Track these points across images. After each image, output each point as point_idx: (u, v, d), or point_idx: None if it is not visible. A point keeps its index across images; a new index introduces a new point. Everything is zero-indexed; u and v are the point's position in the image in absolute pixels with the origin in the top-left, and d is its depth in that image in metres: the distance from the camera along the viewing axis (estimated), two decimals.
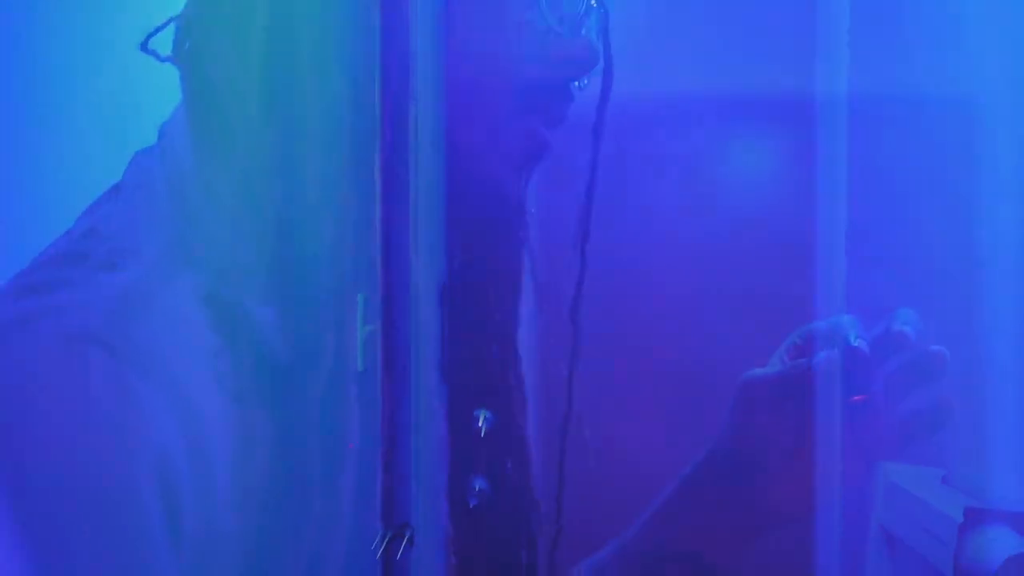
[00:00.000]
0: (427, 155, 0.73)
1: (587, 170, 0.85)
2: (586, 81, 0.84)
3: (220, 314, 0.72)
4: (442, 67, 0.73)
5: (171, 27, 0.78)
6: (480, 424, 0.82)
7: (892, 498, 0.93)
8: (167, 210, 0.76)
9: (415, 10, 0.71)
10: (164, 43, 0.79)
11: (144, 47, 0.78)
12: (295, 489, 0.70)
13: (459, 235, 0.76)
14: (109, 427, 0.67)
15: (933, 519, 0.85)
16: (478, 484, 0.81)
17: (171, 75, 0.79)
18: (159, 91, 0.79)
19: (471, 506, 0.81)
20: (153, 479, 0.67)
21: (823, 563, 0.89)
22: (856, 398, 0.85)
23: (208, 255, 0.74)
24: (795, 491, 0.87)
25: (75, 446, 0.66)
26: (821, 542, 0.89)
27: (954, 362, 0.84)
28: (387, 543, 0.66)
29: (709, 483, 0.90)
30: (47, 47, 0.99)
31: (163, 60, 0.77)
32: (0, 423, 0.66)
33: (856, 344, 0.84)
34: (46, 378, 0.67)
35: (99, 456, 0.66)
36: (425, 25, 0.72)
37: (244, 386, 0.71)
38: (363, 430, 0.71)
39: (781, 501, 0.88)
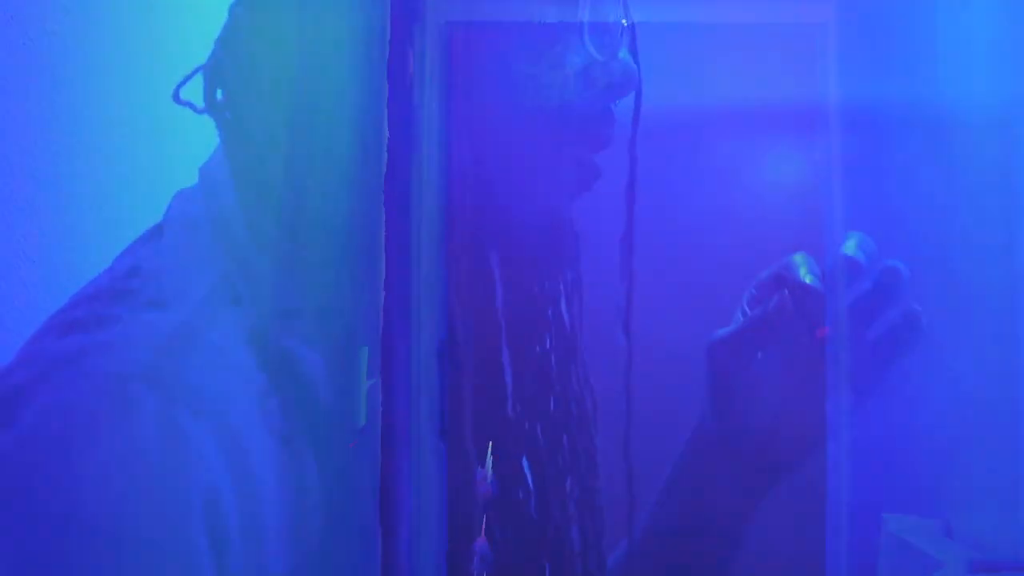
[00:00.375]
0: (429, 212, 0.75)
1: (627, 187, 0.85)
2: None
3: (267, 354, 0.72)
4: (444, 131, 0.75)
5: (199, 76, 0.79)
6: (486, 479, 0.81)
7: (894, 551, 0.94)
8: (212, 249, 0.76)
9: (421, 66, 0.74)
10: (195, 92, 0.80)
11: (176, 98, 0.79)
12: (341, 531, 0.70)
13: (506, 273, 0.77)
14: (159, 467, 0.66)
15: (938, 572, 0.85)
16: (479, 549, 0.81)
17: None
18: (198, 132, 0.80)
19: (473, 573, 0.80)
20: (202, 520, 0.66)
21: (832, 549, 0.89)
22: (819, 332, 0.85)
23: (254, 295, 0.74)
24: (788, 440, 0.88)
25: (125, 486, 0.65)
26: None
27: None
28: None
29: (705, 451, 0.90)
30: (86, 87, 0.98)
31: (199, 111, 0.78)
32: (49, 461, 0.65)
33: (807, 281, 0.85)
34: (96, 416, 0.66)
35: (149, 496, 0.66)
36: (430, 88, 0.74)
37: (291, 427, 0.71)
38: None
39: (778, 453, 0.89)
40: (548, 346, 0.88)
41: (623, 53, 0.82)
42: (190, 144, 0.82)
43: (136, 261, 0.76)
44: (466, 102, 0.77)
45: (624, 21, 0.83)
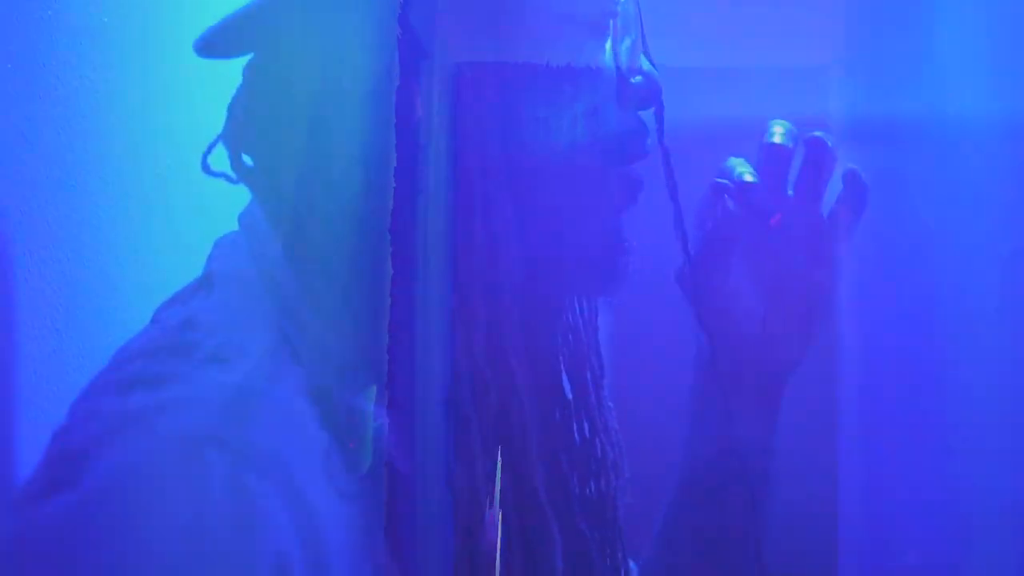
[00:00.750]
0: (436, 257, 0.75)
1: (670, 200, 0.85)
2: None
3: (330, 411, 0.71)
4: (447, 171, 0.75)
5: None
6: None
7: None
8: (265, 304, 0.75)
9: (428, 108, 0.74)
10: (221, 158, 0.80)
11: (207, 170, 0.79)
12: None
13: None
14: (229, 531, 0.64)
15: None
16: None
17: None
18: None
19: None
20: None
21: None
22: (773, 221, 0.86)
23: (311, 351, 0.73)
24: (784, 338, 0.88)
25: (194, 550, 0.64)
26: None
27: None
28: None
29: (711, 385, 0.90)
30: (120, 134, 0.97)
31: (235, 182, 0.78)
32: (117, 523, 0.63)
33: (741, 179, 0.86)
34: (165, 478, 0.64)
35: (218, 561, 0.64)
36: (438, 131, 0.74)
37: (358, 485, 0.70)
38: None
39: (777, 356, 0.89)
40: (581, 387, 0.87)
41: (647, 66, 0.83)
42: (226, 190, 0.81)
43: (189, 313, 0.74)
44: (483, 140, 0.77)
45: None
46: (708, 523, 0.91)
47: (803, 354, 0.89)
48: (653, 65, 0.84)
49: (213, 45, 0.77)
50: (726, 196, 0.87)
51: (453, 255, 0.75)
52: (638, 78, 0.82)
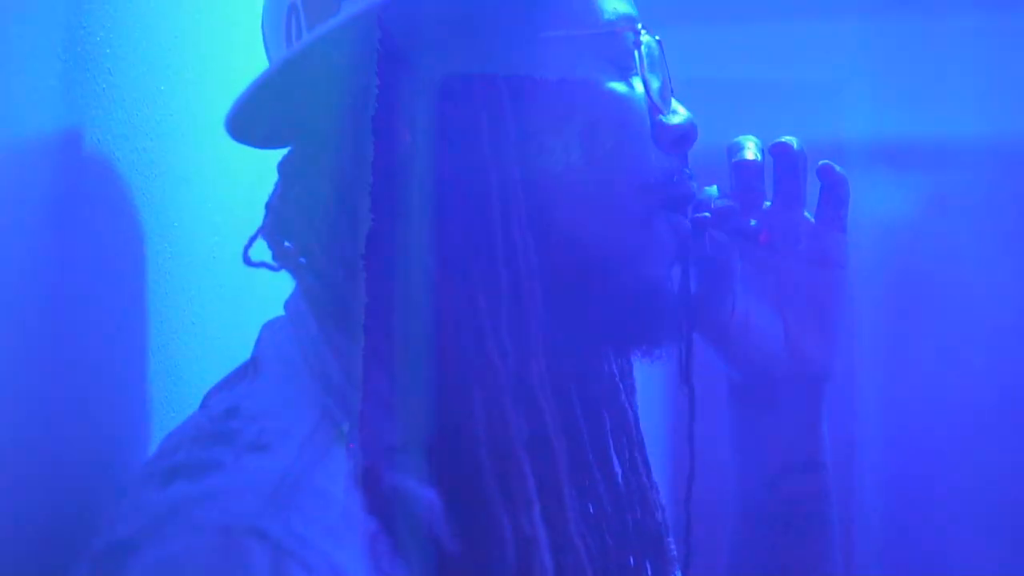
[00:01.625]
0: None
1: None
2: None
3: (376, 494, 0.68)
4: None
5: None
6: None
7: None
8: (310, 387, 0.74)
9: None
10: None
11: (247, 262, 0.79)
12: None
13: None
14: None
15: None
16: None
17: None
18: None
19: None
20: None
21: None
22: (762, 239, 0.85)
23: (357, 431, 0.71)
24: (812, 348, 0.86)
25: None
26: None
27: None
28: None
29: (750, 415, 0.89)
30: (178, 210, 0.96)
31: (277, 269, 0.78)
32: None
33: (719, 208, 0.84)
34: (205, 571, 0.62)
35: None
36: None
37: (407, 570, 0.67)
38: None
39: (807, 365, 0.87)
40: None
41: (680, 106, 0.81)
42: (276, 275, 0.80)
43: (234, 400, 0.73)
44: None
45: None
46: (779, 549, 0.89)
47: (832, 361, 0.88)
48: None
49: (246, 132, 0.77)
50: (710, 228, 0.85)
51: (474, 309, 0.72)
52: (675, 117, 0.79)
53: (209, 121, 1.01)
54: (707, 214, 0.84)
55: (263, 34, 0.83)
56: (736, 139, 0.88)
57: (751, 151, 0.87)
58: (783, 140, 0.87)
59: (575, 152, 0.75)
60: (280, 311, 0.83)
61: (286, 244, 0.78)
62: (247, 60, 1.07)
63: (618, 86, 0.77)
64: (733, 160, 0.87)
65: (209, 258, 1.01)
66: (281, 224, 0.78)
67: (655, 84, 0.79)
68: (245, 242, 0.79)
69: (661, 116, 0.79)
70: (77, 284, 0.83)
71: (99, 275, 0.86)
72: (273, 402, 0.73)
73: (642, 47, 0.78)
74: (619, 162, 0.77)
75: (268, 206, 0.80)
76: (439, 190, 0.72)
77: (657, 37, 0.80)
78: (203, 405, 0.76)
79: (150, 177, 0.92)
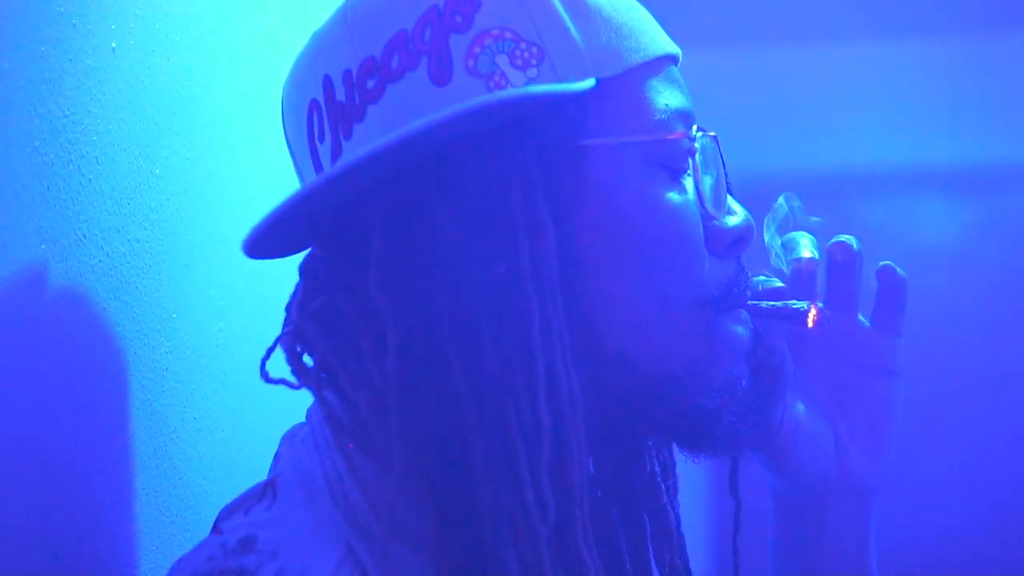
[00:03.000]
0: None
1: None
2: None
3: None
4: None
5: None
6: None
7: None
8: (332, 515, 0.67)
9: None
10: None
11: (266, 378, 0.71)
12: None
13: None
14: None
15: None
16: None
17: None
18: None
19: None
20: None
21: None
22: (813, 321, 0.77)
23: (381, 567, 0.64)
24: (864, 465, 0.81)
25: None
26: None
27: None
28: None
29: (794, 530, 0.84)
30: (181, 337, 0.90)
31: (297, 387, 0.70)
32: None
33: (767, 287, 0.78)
34: None
35: None
36: None
37: None
38: None
39: (858, 481, 0.81)
40: None
41: (736, 205, 0.75)
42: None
43: (251, 529, 0.67)
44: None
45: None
46: None
47: (883, 476, 0.82)
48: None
49: (265, 244, 0.69)
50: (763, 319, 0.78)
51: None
52: (730, 219, 0.73)
53: (210, 203, 0.95)
54: (759, 303, 0.77)
55: (283, 119, 0.76)
56: (790, 235, 0.82)
57: (807, 248, 0.81)
58: (842, 240, 0.81)
59: (624, 270, 0.69)
60: (292, 411, 0.76)
61: (305, 358, 0.71)
62: (248, 136, 1.01)
63: (670, 195, 0.70)
64: (787, 257, 0.81)
65: (212, 349, 0.94)
66: (300, 335, 0.71)
67: (709, 183, 0.72)
68: (251, 330, 0.72)
69: (715, 221, 0.72)
70: (66, 385, 0.77)
71: (89, 374, 0.80)
72: (293, 534, 0.66)
73: (696, 153, 0.71)
74: (672, 277, 0.70)
75: (288, 310, 0.73)
76: (474, 319, 0.64)
77: (712, 133, 0.73)
78: (216, 528, 0.69)
79: (143, 269, 0.85)
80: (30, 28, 0.73)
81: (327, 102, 0.70)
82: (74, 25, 0.77)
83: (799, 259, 0.81)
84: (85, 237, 0.79)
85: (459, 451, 0.63)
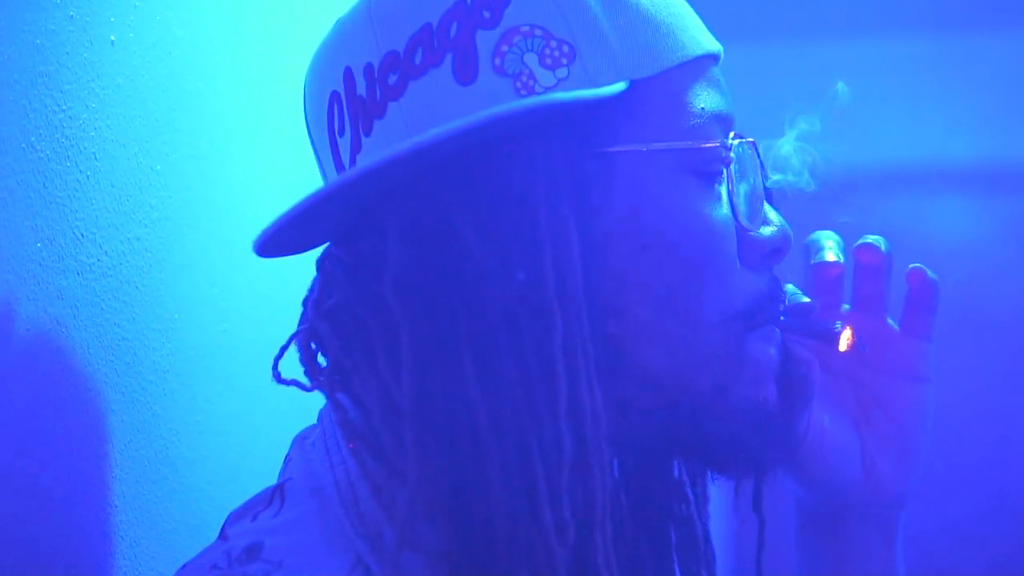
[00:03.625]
0: None
1: None
2: None
3: None
4: None
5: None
6: None
7: None
8: (341, 524, 0.64)
9: None
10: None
11: (277, 378, 0.68)
12: None
13: None
14: None
15: None
16: None
17: None
18: None
19: None
20: None
21: None
22: (846, 346, 0.74)
23: None
24: (891, 472, 0.77)
25: None
26: None
27: None
28: None
29: (817, 538, 0.80)
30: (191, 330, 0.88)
31: (309, 389, 0.67)
32: None
33: (796, 303, 0.73)
34: None
35: None
36: None
37: None
38: None
39: (885, 490, 0.77)
40: None
41: (771, 212, 0.70)
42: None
43: (257, 536, 0.64)
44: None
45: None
46: None
47: (910, 487, 0.78)
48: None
49: (277, 244, 0.66)
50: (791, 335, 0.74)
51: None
52: (766, 229, 0.69)
53: (213, 200, 0.93)
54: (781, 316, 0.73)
55: (304, 108, 0.73)
56: (814, 235, 0.78)
57: (832, 251, 0.77)
58: (869, 241, 0.76)
59: (650, 284, 0.65)
60: (300, 413, 0.74)
61: (320, 358, 0.68)
62: (251, 132, 0.99)
63: (702, 206, 0.66)
64: (812, 260, 0.77)
65: (216, 350, 0.92)
66: (315, 334, 0.68)
67: (744, 192, 0.68)
68: (256, 332, 0.69)
69: (750, 232, 0.68)
70: (63, 386, 0.74)
71: (87, 375, 0.77)
72: (301, 543, 0.64)
73: (731, 163, 0.67)
74: (700, 292, 0.66)
75: (304, 305, 0.70)
76: (492, 331, 0.61)
77: (750, 139, 0.69)
78: (223, 534, 0.67)
79: (143, 269, 0.83)
80: (26, 20, 0.71)
81: (348, 96, 0.67)
82: (71, 17, 0.75)
83: (823, 263, 0.77)
84: (83, 236, 0.76)
85: (474, 467, 0.60)
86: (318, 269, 0.70)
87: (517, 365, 0.61)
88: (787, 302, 0.73)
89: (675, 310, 0.66)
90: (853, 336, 0.74)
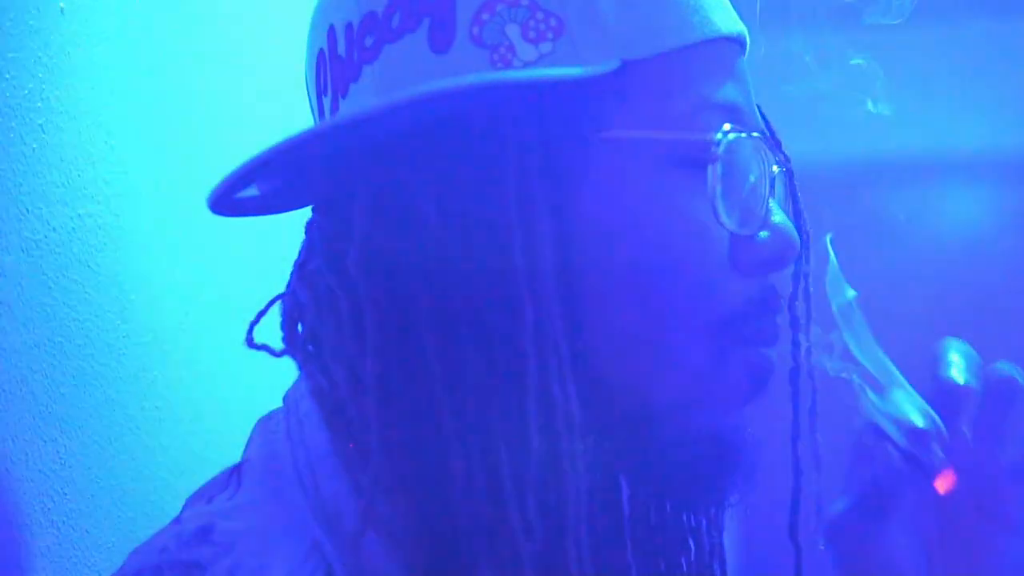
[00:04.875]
0: None
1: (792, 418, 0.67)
2: None
3: None
4: None
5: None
6: None
7: None
8: (300, 511, 0.60)
9: None
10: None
11: (251, 343, 0.65)
12: None
13: None
14: None
15: None
16: None
17: None
18: None
19: None
20: None
21: None
22: (941, 484, 0.66)
23: (349, 567, 0.58)
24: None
25: None
26: None
27: None
28: None
29: None
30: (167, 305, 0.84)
31: (278, 355, 0.64)
32: None
33: (909, 424, 0.65)
34: None
35: None
36: None
37: None
38: None
39: None
40: None
41: (776, 215, 0.63)
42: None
43: (210, 518, 0.60)
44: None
45: (776, 168, 0.63)
46: None
47: None
48: (797, 206, 0.66)
49: (240, 200, 0.62)
50: (888, 445, 0.67)
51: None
52: (764, 234, 0.62)
53: (174, 177, 0.89)
54: (891, 426, 0.66)
55: (305, 66, 0.68)
56: (946, 342, 0.68)
57: (960, 373, 0.66)
58: (1007, 371, 0.66)
59: (624, 281, 0.59)
60: (266, 399, 0.70)
61: (299, 326, 0.64)
62: (216, 104, 0.95)
63: (687, 202, 0.60)
64: (939, 375, 0.67)
65: (176, 333, 0.89)
66: (294, 298, 0.64)
67: (738, 191, 0.61)
68: (219, 314, 0.65)
69: (741, 234, 0.61)
70: (5, 369, 0.71)
71: (32, 357, 0.74)
72: (253, 526, 0.59)
73: (717, 157, 0.59)
74: (677, 294, 0.60)
75: (296, 266, 0.66)
76: (455, 315, 0.57)
77: (755, 134, 0.61)
78: (179, 517, 0.63)
79: (96, 246, 0.79)
80: None
81: (331, 55, 0.63)
82: None
83: (952, 384, 0.66)
84: (28, 211, 0.73)
85: (437, 455, 0.56)
86: (307, 232, 0.66)
87: (481, 354, 0.56)
88: (898, 418, 0.65)
89: (647, 310, 0.60)
90: (953, 483, 0.65)
